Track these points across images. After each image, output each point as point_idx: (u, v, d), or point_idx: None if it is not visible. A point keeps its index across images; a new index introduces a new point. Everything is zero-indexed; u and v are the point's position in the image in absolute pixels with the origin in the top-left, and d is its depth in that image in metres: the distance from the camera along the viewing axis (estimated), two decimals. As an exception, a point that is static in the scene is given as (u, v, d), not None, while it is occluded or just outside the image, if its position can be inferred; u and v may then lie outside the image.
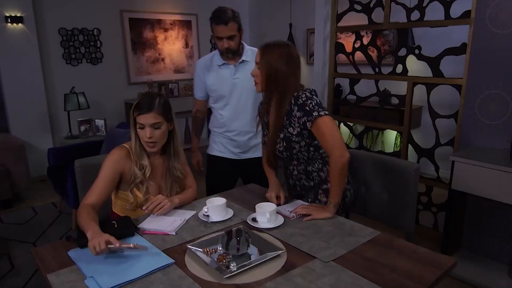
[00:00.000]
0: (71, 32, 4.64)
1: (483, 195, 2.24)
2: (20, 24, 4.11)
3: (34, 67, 4.29)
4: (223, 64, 2.15)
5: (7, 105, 4.21)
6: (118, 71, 5.13)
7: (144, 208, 1.57)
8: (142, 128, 1.59)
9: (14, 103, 4.22)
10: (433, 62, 2.67)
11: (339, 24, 3.26)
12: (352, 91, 3.30)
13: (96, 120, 4.34)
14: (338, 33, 3.29)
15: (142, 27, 5.20)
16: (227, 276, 1.16)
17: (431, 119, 2.77)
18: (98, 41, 4.87)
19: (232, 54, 2.10)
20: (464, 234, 2.63)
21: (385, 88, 4.36)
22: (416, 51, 2.76)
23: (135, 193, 1.63)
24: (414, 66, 3.20)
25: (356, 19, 3.29)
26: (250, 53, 2.16)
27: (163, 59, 5.46)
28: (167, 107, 1.64)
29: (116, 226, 1.45)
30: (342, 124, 3.59)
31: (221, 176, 2.31)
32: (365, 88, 3.32)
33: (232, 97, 2.16)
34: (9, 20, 4.03)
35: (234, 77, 2.14)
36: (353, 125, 3.29)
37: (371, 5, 2.97)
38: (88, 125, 4.30)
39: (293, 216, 1.59)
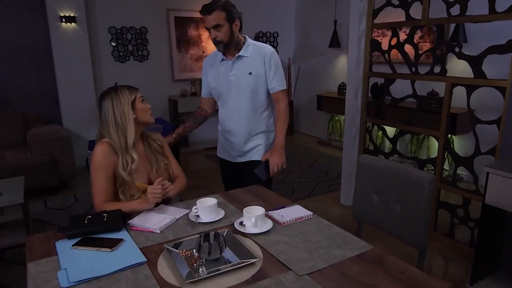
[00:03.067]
0: (120, 30, 4.89)
1: (522, 213, 1.98)
2: (73, 24, 4.41)
3: (85, 64, 4.59)
4: (223, 60, 2.04)
5: (60, 99, 4.55)
6: (163, 68, 5.32)
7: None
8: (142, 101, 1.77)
9: (66, 97, 4.55)
10: (475, 62, 2.41)
11: (375, 21, 3.06)
12: (388, 92, 3.10)
13: (137, 115, 4.54)
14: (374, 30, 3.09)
15: (187, 26, 5.33)
16: (189, 281, 1.13)
17: (471, 124, 2.50)
18: (145, 39, 5.08)
19: (225, 47, 1.96)
20: (503, 255, 2.34)
21: (433, 89, 4.05)
22: (457, 49, 2.50)
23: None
24: (463, 66, 2.89)
25: (394, 15, 3.07)
26: (252, 48, 2.01)
27: (206, 57, 5.53)
28: None
29: (105, 219, 1.48)
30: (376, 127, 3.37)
31: (227, 179, 2.27)
32: (406, 88, 3.07)
33: (228, 95, 2.06)
34: (63, 20, 4.33)
35: (231, 73, 2.02)
36: (396, 130, 3.07)
37: (409, -1, 2.75)
38: (130, 120, 4.50)
39: (284, 222, 1.52)
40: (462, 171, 3.98)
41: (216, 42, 1.95)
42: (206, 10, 1.90)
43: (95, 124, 4.78)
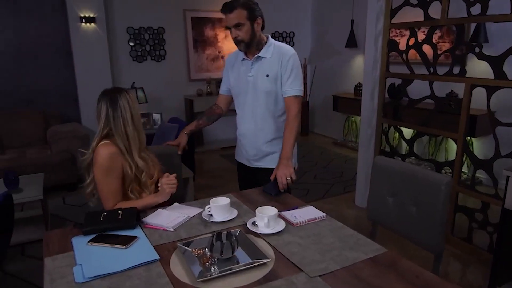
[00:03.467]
0: (138, 31, 4.96)
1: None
2: (92, 24, 4.50)
3: (104, 63, 4.67)
4: (243, 59, 1.98)
5: (80, 98, 4.65)
6: (180, 68, 5.37)
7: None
8: None
9: (85, 96, 4.63)
10: (496, 62, 2.35)
11: (393, 21, 3.02)
12: (405, 92, 3.05)
13: (153, 114, 4.60)
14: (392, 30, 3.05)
15: (203, 26, 5.37)
16: (201, 279, 1.14)
17: (491, 126, 2.44)
18: (162, 39, 5.14)
19: (246, 47, 1.89)
20: (523, 261, 2.28)
21: (452, 90, 3.97)
22: (477, 49, 2.45)
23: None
24: (484, 66, 2.82)
25: (411, 14, 3.02)
26: (272, 49, 1.92)
27: (222, 57, 5.58)
28: None
29: (120, 216, 1.51)
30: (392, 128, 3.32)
31: (243, 182, 2.22)
32: (423, 89, 3.01)
33: (245, 96, 2.00)
34: (83, 20, 4.42)
35: (249, 74, 1.95)
36: (413, 131, 3.02)
37: (428, -2, 2.70)
38: (146, 118, 4.57)
39: (297, 223, 1.51)
40: (481, 174, 3.89)
41: (237, 42, 1.89)
42: (227, 8, 1.83)
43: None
